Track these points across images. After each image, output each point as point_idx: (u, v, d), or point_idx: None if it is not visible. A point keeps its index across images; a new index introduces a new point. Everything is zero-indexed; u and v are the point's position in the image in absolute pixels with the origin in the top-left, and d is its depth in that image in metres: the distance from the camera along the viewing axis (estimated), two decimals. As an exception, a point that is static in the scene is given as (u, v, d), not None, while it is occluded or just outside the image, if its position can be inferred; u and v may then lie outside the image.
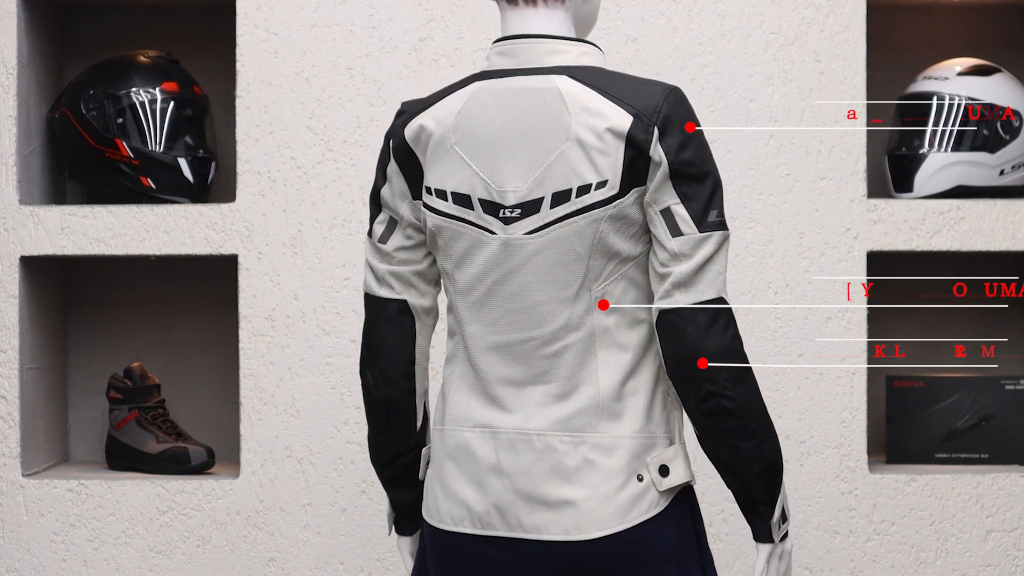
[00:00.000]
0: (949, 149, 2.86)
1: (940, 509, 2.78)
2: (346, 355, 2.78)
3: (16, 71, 2.79)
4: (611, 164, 1.82)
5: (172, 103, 2.86)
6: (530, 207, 1.85)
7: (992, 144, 2.86)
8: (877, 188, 2.99)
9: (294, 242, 2.79)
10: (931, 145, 2.86)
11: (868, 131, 2.90)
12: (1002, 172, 2.87)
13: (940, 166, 2.85)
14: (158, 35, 3.05)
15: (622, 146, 1.82)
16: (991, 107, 2.86)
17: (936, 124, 2.87)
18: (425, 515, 1.97)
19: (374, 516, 2.78)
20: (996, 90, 2.87)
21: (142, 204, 2.83)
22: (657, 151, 1.82)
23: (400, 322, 1.97)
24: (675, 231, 1.83)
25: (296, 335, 2.78)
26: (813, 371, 2.79)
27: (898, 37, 3.07)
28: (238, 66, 2.79)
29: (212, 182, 2.91)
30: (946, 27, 3.08)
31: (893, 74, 3.03)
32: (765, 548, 1.93)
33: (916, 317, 3.08)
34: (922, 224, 2.79)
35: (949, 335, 3.08)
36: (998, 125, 2.86)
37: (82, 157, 2.87)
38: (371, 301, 1.99)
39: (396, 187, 1.95)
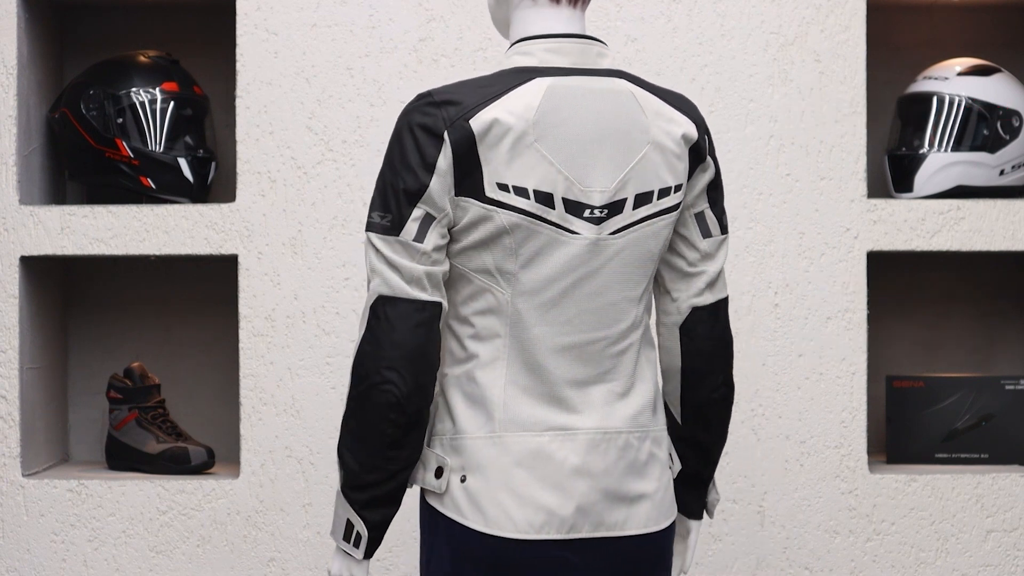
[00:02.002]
0: (949, 149, 2.86)
1: (940, 509, 2.78)
2: (346, 355, 2.78)
3: (16, 71, 2.79)
4: (683, 169, 1.93)
5: (172, 103, 2.86)
6: (615, 208, 1.89)
7: (992, 144, 2.86)
8: (877, 188, 2.99)
9: (294, 242, 2.79)
10: (931, 145, 2.86)
11: (868, 131, 2.90)
12: (1002, 172, 2.87)
13: (940, 166, 2.85)
14: (158, 35, 3.05)
15: (687, 153, 1.93)
16: (991, 107, 2.86)
17: (936, 124, 2.87)
18: (483, 527, 1.87)
19: (374, 516, 2.78)
20: (996, 90, 2.87)
21: (142, 204, 2.83)
22: (709, 160, 1.97)
23: (431, 326, 1.85)
24: (706, 233, 1.99)
25: (296, 335, 2.78)
26: (813, 371, 2.79)
27: (898, 37, 3.07)
28: (238, 66, 2.80)
29: (212, 182, 2.91)
30: (946, 27, 3.08)
31: (893, 74, 3.03)
32: (698, 524, 2.12)
33: (916, 317, 3.08)
34: (922, 224, 2.79)
35: (949, 335, 3.09)
36: (998, 125, 2.86)
37: (82, 157, 2.87)
38: (401, 304, 1.84)
39: (446, 182, 1.84)
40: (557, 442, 1.88)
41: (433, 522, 1.91)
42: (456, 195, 1.84)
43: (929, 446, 2.90)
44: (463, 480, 1.88)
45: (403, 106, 1.96)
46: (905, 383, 2.92)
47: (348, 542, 1.92)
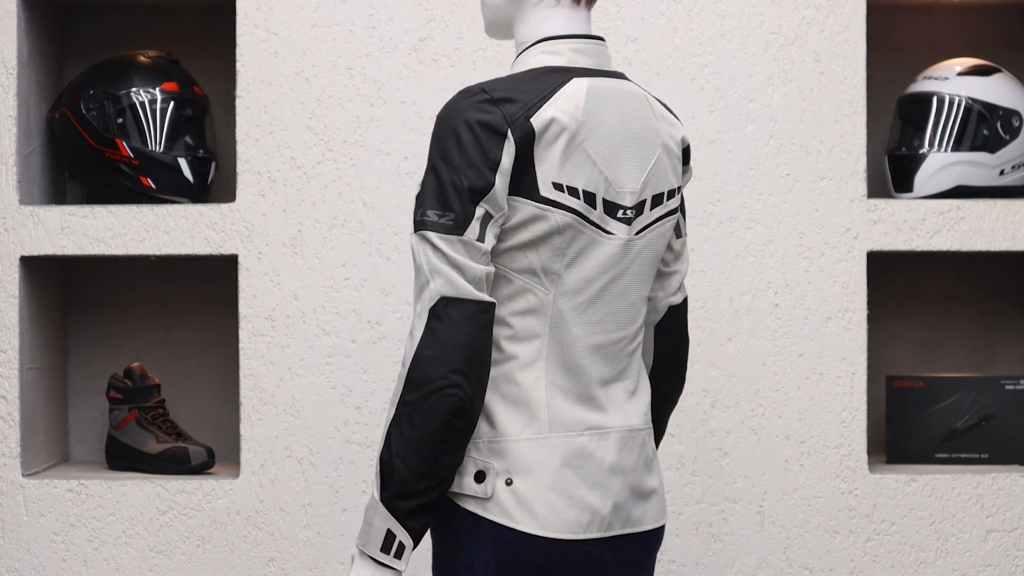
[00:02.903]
0: (949, 149, 2.86)
1: (940, 509, 2.78)
2: (346, 355, 2.78)
3: (16, 71, 2.79)
4: (680, 171, 2.00)
5: (172, 103, 2.86)
6: (639, 208, 1.92)
7: (992, 144, 2.86)
8: (877, 188, 2.99)
9: (294, 242, 2.79)
10: (931, 145, 2.86)
11: (868, 131, 2.90)
12: (1002, 172, 2.87)
13: (940, 166, 2.85)
14: (158, 35, 3.05)
15: (682, 155, 2.01)
16: (991, 107, 2.86)
17: (936, 124, 2.87)
18: (534, 530, 1.85)
19: (374, 516, 2.78)
20: (996, 90, 2.87)
21: (142, 204, 2.83)
22: (689, 163, 2.03)
23: (491, 328, 1.82)
24: (679, 233, 2.04)
25: (296, 335, 2.78)
26: (813, 371, 2.78)
27: (898, 37, 3.07)
28: (238, 66, 2.79)
29: (212, 182, 2.91)
30: (946, 27, 3.08)
31: (893, 74, 3.03)
32: None
33: (916, 317, 3.08)
34: (922, 224, 2.79)
35: (949, 335, 3.09)
36: (998, 125, 2.86)
37: (82, 157, 2.87)
38: (465, 305, 1.79)
39: (507, 181, 1.82)
40: (595, 441, 1.89)
41: (474, 528, 1.86)
42: (509, 194, 1.83)
43: (929, 446, 2.90)
44: (509, 483, 1.85)
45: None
46: (905, 383, 2.92)
47: (388, 553, 1.83)
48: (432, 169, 1.82)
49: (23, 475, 2.79)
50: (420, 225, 1.81)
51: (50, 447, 2.96)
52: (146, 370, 2.95)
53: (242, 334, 2.78)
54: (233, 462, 2.93)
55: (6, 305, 2.79)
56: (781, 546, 2.78)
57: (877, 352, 3.00)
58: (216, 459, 2.91)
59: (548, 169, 1.83)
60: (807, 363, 2.79)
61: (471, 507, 1.85)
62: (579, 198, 1.85)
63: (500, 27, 2.00)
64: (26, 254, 2.79)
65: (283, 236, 2.79)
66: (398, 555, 1.82)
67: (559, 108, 1.83)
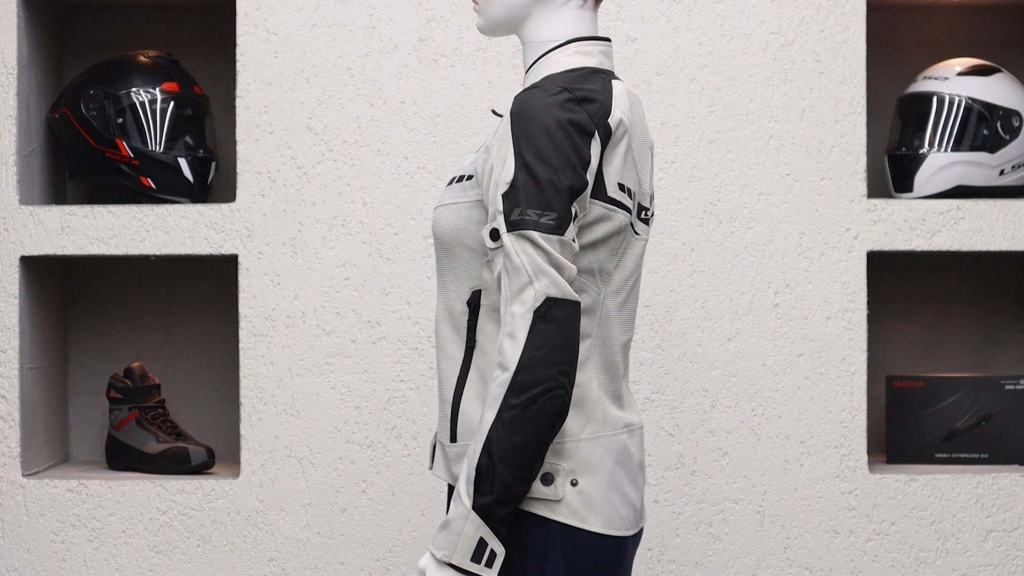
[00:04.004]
0: (949, 149, 2.86)
1: (940, 509, 2.78)
2: (346, 355, 2.78)
3: (16, 71, 2.79)
4: None
5: (172, 103, 2.86)
6: (647, 209, 1.97)
7: (992, 144, 2.86)
8: (877, 188, 2.99)
9: (294, 242, 2.79)
10: (931, 145, 2.86)
11: (868, 131, 2.90)
12: (1002, 172, 2.87)
13: (940, 166, 2.85)
14: (158, 35, 3.05)
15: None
16: (991, 107, 2.86)
17: (936, 124, 2.87)
18: (601, 529, 1.86)
19: (374, 516, 2.78)
20: (996, 90, 2.87)
21: (142, 204, 2.83)
22: None
23: (580, 329, 1.82)
24: None
25: (296, 335, 2.78)
26: (813, 371, 2.78)
27: (898, 37, 3.07)
28: (238, 66, 2.79)
29: (212, 182, 2.91)
30: (946, 27, 3.08)
31: (893, 74, 3.03)
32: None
33: (916, 317, 3.08)
34: (922, 224, 2.79)
35: (949, 335, 3.08)
36: (998, 125, 2.86)
37: (82, 157, 2.87)
38: (568, 306, 1.78)
39: (592, 181, 1.84)
40: (631, 439, 1.92)
41: (542, 531, 1.84)
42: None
43: (929, 446, 2.90)
44: (574, 484, 1.84)
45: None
46: (905, 383, 2.92)
47: (479, 562, 1.78)
48: (526, 167, 1.78)
49: (23, 475, 2.79)
50: (520, 224, 1.78)
51: (50, 447, 2.96)
52: (146, 370, 2.95)
53: (242, 334, 2.78)
54: (233, 462, 2.93)
55: (6, 305, 2.78)
56: (781, 546, 2.78)
57: (877, 352, 3.00)
58: (216, 459, 2.91)
59: (614, 170, 1.85)
60: (807, 363, 2.79)
61: (539, 510, 1.83)
62: (632, 198, 1.89)
63: (509, 24, 1.96)
64: (26, 254, 2.79)
65: (283, 236, 2.79)
66: (489, 563, 1.78)
67: (620, 109, 1.85)
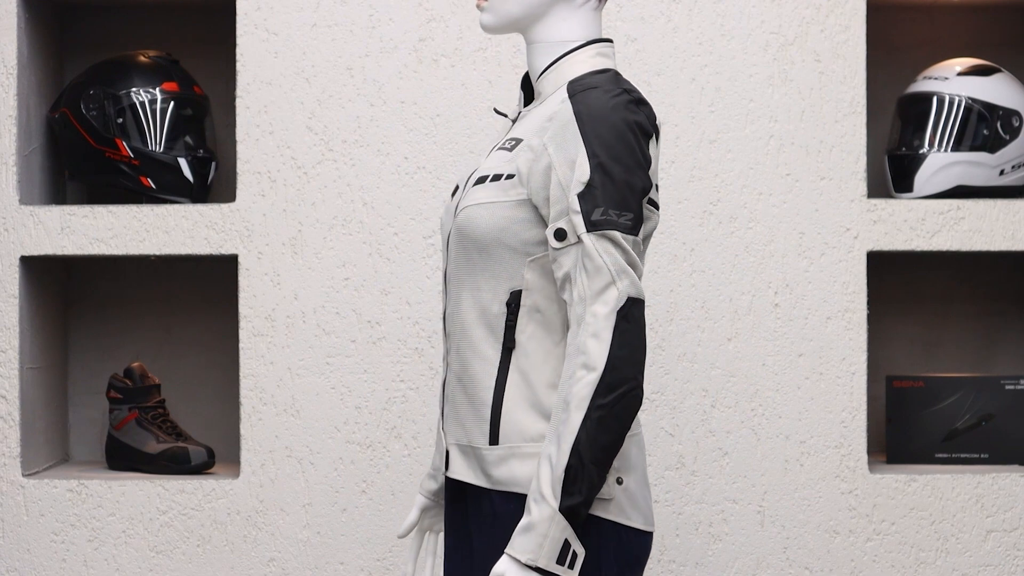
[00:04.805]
0: (949, 149, 2.86)
1: (940, 509, 2.78)
2: (346, 355, 2.78)
3: (16, 71, 2.79)
4: None
5: (172, 103, 2.86)
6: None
7: (992, 144, 2.86)
8: (877, 188, 2.99)
9: (294, 242, 2.79)
10: (931, 145, 2.86)
11: (868, 131, 2.90)
12: (1002, 172, 2.87)
13: (940, 166, 2.85)
14: (158, 35, 3.05)
15: None
16: (991, 107, 2.86)
17: (936, 124, 2.87)
18: (643, 525, 1.88)
19: (374, 516, 2.78)
20: (996, 90, 2.87)
21: (142, 204, 2.83)
22: None
23: None
24: None
25: (296, 335, 2.78)
26: (813, 371, 2.78)
27: (898, 37, 3.07)
28: (238, 66, 2.79)
29: (212, 182, 2.91)
30: (946, 27, 3.08)
31: (893, 74, 3.03)
32: None
33: (916, 317, 3.08)
34: (922, 224, 2.79)
35: (949, 335, 3.08)
36: (998, 125, 2.86)
37: (82, 157, 2.87)
38: (642, 305, 1.80)
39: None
40: (642, 436, 1.93)
41: (595, 530, 1.83)
42: None
43: (929, 446, 2.90)
44: (620, 482, 1.85)
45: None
46: (905, 383, 2.92)
47: (563, 564, 1.77)
48: (601, 168, 1.79)
49: (23, 475, 2.79)
50: (602, 224, 1.78)
51: (50, 447, 2.96)
52: (146, 370, 2.95)
53: (242, 334, 2.78)
54: (233, 462, 2.93)
55: (6, 305, 2.78)
56: (781, 546, 2.78)
57: (877, 352, 3.00)
58: (216, 459, 2.91)
59: (653, 171, 1.86)
60: (807, 363, 2.79)
61: (594, 509, 1.83)
62: (658, 198, 1.91)
63: (521, 22, 1.93)
64: (26, 254, 2.79)
65: (283, 236, 2.79)
66: (571, 565, 1.78)
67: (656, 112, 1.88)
